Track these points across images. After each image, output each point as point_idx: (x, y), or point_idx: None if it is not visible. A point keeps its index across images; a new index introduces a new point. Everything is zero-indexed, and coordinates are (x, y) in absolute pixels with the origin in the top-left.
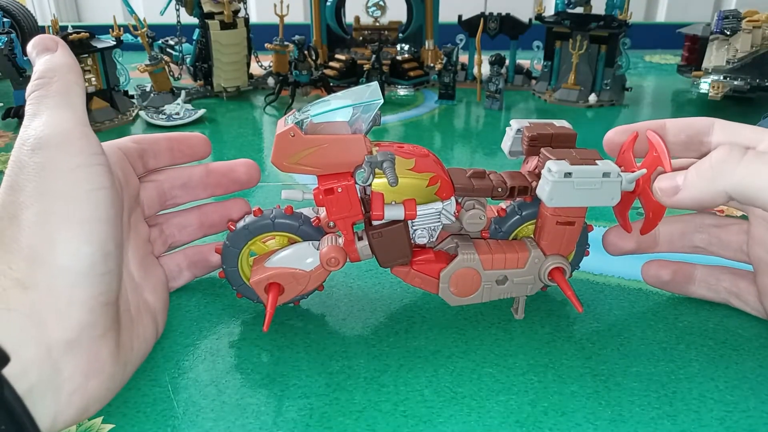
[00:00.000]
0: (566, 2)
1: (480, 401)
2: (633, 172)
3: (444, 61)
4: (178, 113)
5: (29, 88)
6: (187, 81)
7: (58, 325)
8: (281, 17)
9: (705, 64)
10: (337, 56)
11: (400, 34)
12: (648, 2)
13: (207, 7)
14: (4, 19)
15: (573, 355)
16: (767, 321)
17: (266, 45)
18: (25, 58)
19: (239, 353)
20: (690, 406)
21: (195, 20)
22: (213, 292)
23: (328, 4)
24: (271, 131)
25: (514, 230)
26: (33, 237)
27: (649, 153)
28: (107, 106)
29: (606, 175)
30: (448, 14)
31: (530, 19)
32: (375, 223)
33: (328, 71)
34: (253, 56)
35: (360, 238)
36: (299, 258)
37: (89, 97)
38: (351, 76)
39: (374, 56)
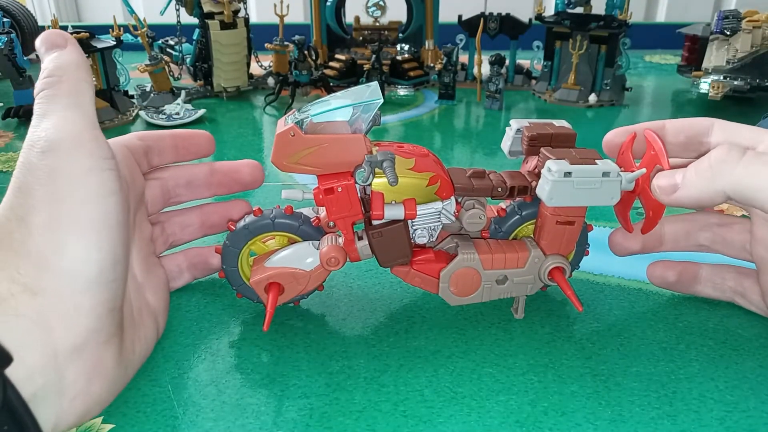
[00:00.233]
0: (566, 2)
1: (480, 401)
2: (632, 171)
3: (444, 61)
4: (178, 113)
5: (38, 86)
6: (187, 81)
7: (64, 331)
8: (281, 17)
9: (705, 64)
10: (337, 56)
11: (400, 34)
12: (648, 2)
13: (207, 7)
14: (4, 19)
15: (573, 355)
16: (767, 321)
17: (266, 45)
18: (25, 58)
19: (239, 353)
20: (690, 406)
21: (195, 20)
22: (213, 292)
23: (328, 4)
24: (271, 131)
25: (514, 230)
26: (42, 242)
27: (646, 151)
28: (107, 106)
29: (606, 174)
30: (448, 14)
31: (530, 19)
32: (375, 222)
33: (328, 71)
34: (253, 56)
35: (360, 238)
36: (299, 258)
37: None
38: (351, 76)
39: (374, 56)
